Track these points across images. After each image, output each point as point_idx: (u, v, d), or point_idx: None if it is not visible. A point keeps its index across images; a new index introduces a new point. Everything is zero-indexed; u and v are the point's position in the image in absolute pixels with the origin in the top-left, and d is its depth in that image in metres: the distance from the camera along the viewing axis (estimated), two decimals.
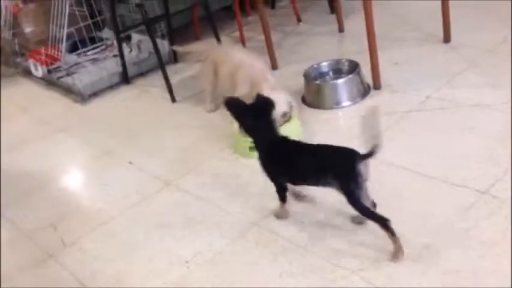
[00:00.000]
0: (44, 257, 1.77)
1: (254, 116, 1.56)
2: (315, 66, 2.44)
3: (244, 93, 2.15)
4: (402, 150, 1.90)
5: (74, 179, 2.23)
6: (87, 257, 1.73)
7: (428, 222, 1.56)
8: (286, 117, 2.07)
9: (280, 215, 1.70)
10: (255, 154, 2.03)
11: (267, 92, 2.04)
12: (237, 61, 2.24)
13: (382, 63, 2.30)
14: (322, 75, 2.43)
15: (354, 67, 2.34)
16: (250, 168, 2.01)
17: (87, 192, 2.10)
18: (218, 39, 2.86)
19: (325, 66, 2.44)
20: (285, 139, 1.59)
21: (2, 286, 1.65)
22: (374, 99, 2.28)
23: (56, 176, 2.29)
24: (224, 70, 2.30)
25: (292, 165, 1.52)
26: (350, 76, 2.29)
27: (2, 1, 3.48)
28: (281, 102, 2.05)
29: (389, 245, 1.45)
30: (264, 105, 1.57)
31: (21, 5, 3.51)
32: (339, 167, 1.44)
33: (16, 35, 3.49)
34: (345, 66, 2.40)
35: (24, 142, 2.61)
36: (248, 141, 2.06)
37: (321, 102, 2.30)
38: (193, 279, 1.55)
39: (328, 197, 1.65)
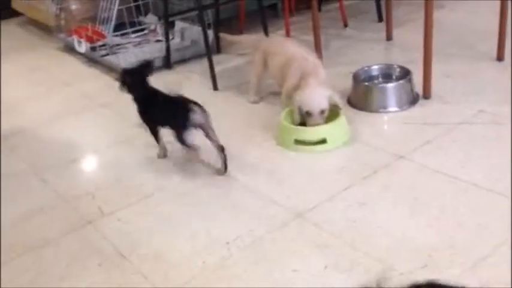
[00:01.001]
0: (83, 223, 1.76)
1: (133, 75, 2.04)
2: (365, 68, 2.41)
3: (293, 85, 2.14)
4: (452, 160, 1.86)
5: (113, 153, 2.22)
6: (126, 228, 1.71)
7: (483, 235, 1.51)
8: (325, 114, 2.05)
9: (160, 155, 2.09)
10: (301, 147, 2.03)
11: (311, 86, 2.04)
12: (290, 53, 2.23)
13: (433, 74, 2.27)
14: (371, 78, 2.40)
15: (405, 74, 2.31)
16: (294, 160, 1.99)
17: (127, 167, 2.09)
18: (266, 34, 2.85)
19: (375, 69, 2.42)
20: (154, 92, 2.02)
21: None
22: (423, 108, 2.24)
23: (96, 148, 2.29)
24: (275, 61, 2.29)
25: (153, 112, 2.00)
26: (401, 82, 2.27)
27: None
28: (321, 98, 2.03)
29: None
30: (141, 67, 2.06)
31: None
32: (175, 113, 1.92)
33: (62, 10, 3.53)
34: (396, 72, 2.38)
35: (66, 114, 2.63)
36: (293, 133, 2.05)
37: (367, 104, 2.28)
38: (233, 261, 1.53)
39: None
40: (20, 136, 2.43)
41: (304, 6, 3.62)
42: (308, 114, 2.04)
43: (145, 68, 2.07)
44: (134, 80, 2.04)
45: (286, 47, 2.29)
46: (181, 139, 1.90)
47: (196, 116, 1.89)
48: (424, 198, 1.69)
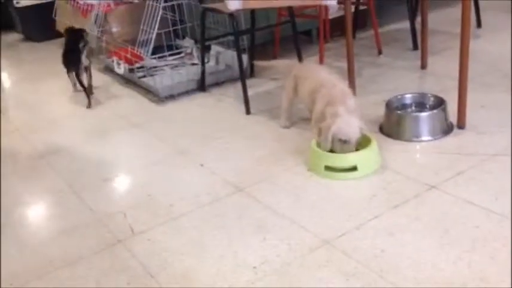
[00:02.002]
0: (114, 241, 1.81)
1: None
2: (398, 97, 2.41)
3: (320, 111, 2.15)
4: (485, 191, 1.83)
5: (146, 173, 2.27)
6: (155, 248, 1.75)
7: None
8: (357, 142, 2.06)
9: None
10: (331, 174, 2.04)
11: (341, 114, 2.05)
12: (320, 79, 2.26)
13: (467, 104, 2.25)
14: (404, 106, 2.40)
15: (438, 103, 2.30)
16: (324, 186, 2.00)
17: (159, 187, 2.13)
18: (300, 59, 2.89)
19: (408, 98, 2.41)
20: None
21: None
22: (457, 138, 2.22)
23: (130, 167, 2.36)
24: (305, 86, 2.32)
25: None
26: (435, 111, 2.26)
27: None
28: (354, 127, 2.04)
29: None
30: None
31: (113, 6, 3.71)
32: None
33: (103, 32, 3.67)
34: (429, 101, 2.37)
35: (103, 133, 2.72)
36: (324, 159, 2.06)
37: (400, 133, 2.27)
38: (260, 285, 1.53)
39: None
40: (59, 154, 2.52)
41: (338, 33, 3.67)
42: (341, 142, 2.05)
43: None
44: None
45: (316, 72, 2.32)
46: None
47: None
48: (455, 230, 1.66)
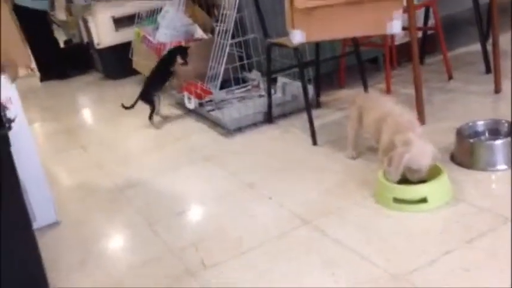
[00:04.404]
0: (186, 275, 1.87)
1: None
2: (470, 123, 2.34)
3: (388, 141, 2.13)
4: None
5: (217, 205, 2.35)
6: (226, 282, 1.79)
7: None
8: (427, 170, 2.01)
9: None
10: (400, 206, 2.00)
11: (414, 140, 2.01)
12: (385, 109, 2.24)
13: None
14: (477, 134, 2.32)
15: None
16: (394, 219, 1.96)
17: (229, 220, 2.19)
18: (366, 88, 2.89)
19: (481, 125, 2.33)
20: None
21: None
22: None
23: (202, 200, 2.44)
24: (370, 116, 2.31)
25: None
26: (510, 138, 2.16)
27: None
28: (427, 154, 2.00)
29: None
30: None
31: (183, 43, 3.90)
32: None
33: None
34: (504, 128, 2.27)
35: (175, 167, 2.83)
36: (392, 191, 2.02)
37: (473, 162, 2.19)
38: None
39: None
40: (135, 188, 2.66)
41: (406, 59, 3.61)
42: (412, 170, 2.01)
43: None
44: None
45: (381, 102, 2.32)
46: None
47: None
48: None
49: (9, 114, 2.22)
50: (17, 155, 1.72)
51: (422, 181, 2.02)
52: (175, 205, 2.40)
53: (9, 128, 2.22)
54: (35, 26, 5.10)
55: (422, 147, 2.00)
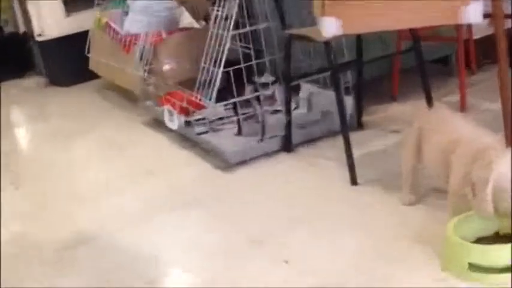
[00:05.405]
0: None
1: None
2: None
3: (461, 177, 2.15)
4: None
5: (207, 273, 2.35)
6: None
7: None
8: None
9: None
10: (478, 275, 2.01)
11: (498, 157, 2.04)
12: (458, 133, 2.27)
13: None
14: None
15: None
16: None
17: None
18: (429, 102, 2.91)
19: None
20: None
21: None
22: None
23: (185, 262, 2.46)
24: (435, 144, 2.34)
25: None
26: None
27: None
28: None
29: None
30: None
31: (164, 35, 3.96)
32: None
33: (151, 72, 3.91)
34: None
35: (149, 213, 2.86)
36: (467, 253, 2.04)
37: None
38: None
39: None
40: (88, 245, 2.68)
41: (489, 60, 3.64)
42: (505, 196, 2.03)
43: None
44: None
45: (452, 122, 2.34)
46: None
47: None
48: None
49: None
50: None
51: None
52: (145, 271, 2.41)
53: None
54: None
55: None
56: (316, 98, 3.44)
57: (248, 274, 2.29)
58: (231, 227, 2.63)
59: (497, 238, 2.16)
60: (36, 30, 5.10)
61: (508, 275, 1.98)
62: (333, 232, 2.45)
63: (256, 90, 3.41)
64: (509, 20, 3.54)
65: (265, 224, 2.59)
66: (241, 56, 3.32)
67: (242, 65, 3.27)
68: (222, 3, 3.25)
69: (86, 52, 4.60)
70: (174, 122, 3.54)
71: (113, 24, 4.29)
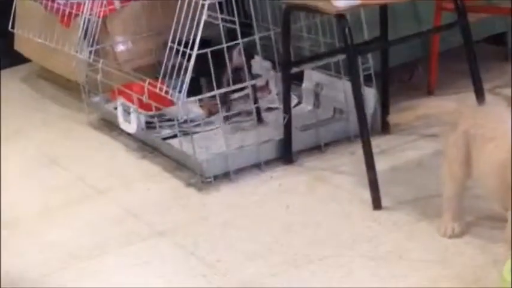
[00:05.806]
0: None
1: None
2: None
3: None
4: None
5: None
6: None
7: None
8: None
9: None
10: None
11: None
12: None
13: None
14: None
15: None
16: None
17: None
18: (480, 95, 2.93)
19: None
20: None
21: None
22: None
23: None
24: (488, 153, 2.36)
25: None
26: None
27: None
28: None
29: None
30: None
31: (117, 4, 3.93)
32: None
33: (100, 54, 3.90)
34: None
35: (99, 249, 2.85)
36: None
37: None
38: None
39: None
40: None
41: None
42: None
43: None
44: None
45: (510, 124, 2.36)
46: None
47: None
48: None
49: None
50: None
51: None
52: None
53: None
54: None
55: None
56: (325, 91, 3.46)
57: None
58: (206, 266, 2.61)
59: None
60: None
61: None
62: (350, 274, 2.45)
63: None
64: None
65: (255, 263, 2.58)
66: (222, 33, 3.32)
67: (224, 45, 3.27)
68: None
69: (9, 27, 4.58)
70: (132, 122, 3.53)
71: None
